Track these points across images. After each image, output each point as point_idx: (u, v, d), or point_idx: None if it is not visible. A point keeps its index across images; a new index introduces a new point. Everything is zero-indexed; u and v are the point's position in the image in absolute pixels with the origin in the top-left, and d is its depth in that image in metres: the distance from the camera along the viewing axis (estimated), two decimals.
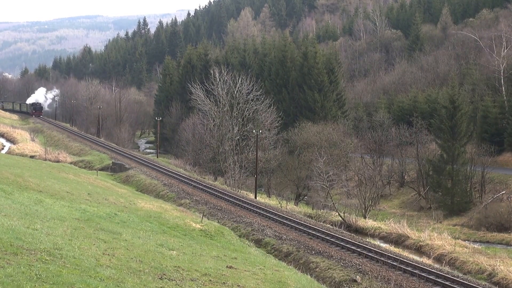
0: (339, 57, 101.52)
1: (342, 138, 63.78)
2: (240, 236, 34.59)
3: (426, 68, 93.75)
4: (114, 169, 64.85)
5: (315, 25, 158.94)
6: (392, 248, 35.70)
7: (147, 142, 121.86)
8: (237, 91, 63.65)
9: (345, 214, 45.99)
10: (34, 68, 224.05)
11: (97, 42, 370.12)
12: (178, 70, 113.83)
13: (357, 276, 27.02)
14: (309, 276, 25.09)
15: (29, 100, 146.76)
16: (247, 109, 63.67)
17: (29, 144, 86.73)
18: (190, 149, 72.57)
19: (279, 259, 30.11)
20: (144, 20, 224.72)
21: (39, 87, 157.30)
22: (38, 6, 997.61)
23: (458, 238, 39.79)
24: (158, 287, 13.87)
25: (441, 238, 38.14)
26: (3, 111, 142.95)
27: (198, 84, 66.53)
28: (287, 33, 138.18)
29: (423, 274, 27.33)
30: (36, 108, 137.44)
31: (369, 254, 30.63)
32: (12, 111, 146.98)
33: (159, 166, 64.19)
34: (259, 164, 57.17)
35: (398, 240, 40.30)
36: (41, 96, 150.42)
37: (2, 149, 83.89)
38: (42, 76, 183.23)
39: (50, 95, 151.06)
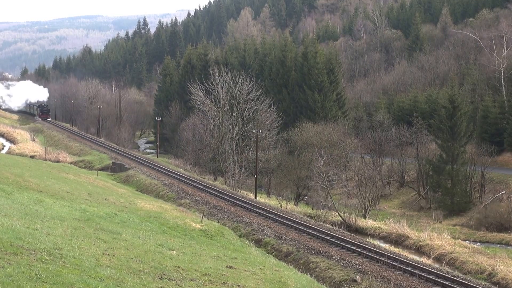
0: (339, 57, 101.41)
1: (342, 138, 63.74)
2: (240, 236, 34.58)
3: (426, 68, 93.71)
4: (114, 169, 64.86)
5: (315, 25, 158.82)
6: (392, 248, 35.70)
7: (147, 142, 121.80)
8: (237, 91, 63.60)
9: (345, 214, 45.97)
10: (34, 68, 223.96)
11: (97, 42, 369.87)
12: (178, 70, 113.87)
13: (357, 276, 27.03)
14: (309, 276, 25.11)
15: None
16: (247, 109, 63.58)
17: (29, 144, 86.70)
18: (190, 149, 72.51)
19: (279, 259, 30.11)
20: (144, 20, 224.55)
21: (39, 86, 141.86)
22: (38, 6, 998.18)
23: (458, 238, 39.79)
24: (158, 287, 13.89)
25: (441, 238, 38.15)
26: (2, 111, 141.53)
27: (198, 84, 66.47)
28: (287, 33, 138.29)
29: (423, 274, 27.34)
30: (44, 111, 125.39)
31: (369, 254, 30.62)
32: (15, 112, 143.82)
33: (159, 166, 64.17)
34: (259, 164, 57.14)
35: (398, 240, 40.31)
36: (44, 93, 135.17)
37: (2, 149, 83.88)
38: (42, 76, 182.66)
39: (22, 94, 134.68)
